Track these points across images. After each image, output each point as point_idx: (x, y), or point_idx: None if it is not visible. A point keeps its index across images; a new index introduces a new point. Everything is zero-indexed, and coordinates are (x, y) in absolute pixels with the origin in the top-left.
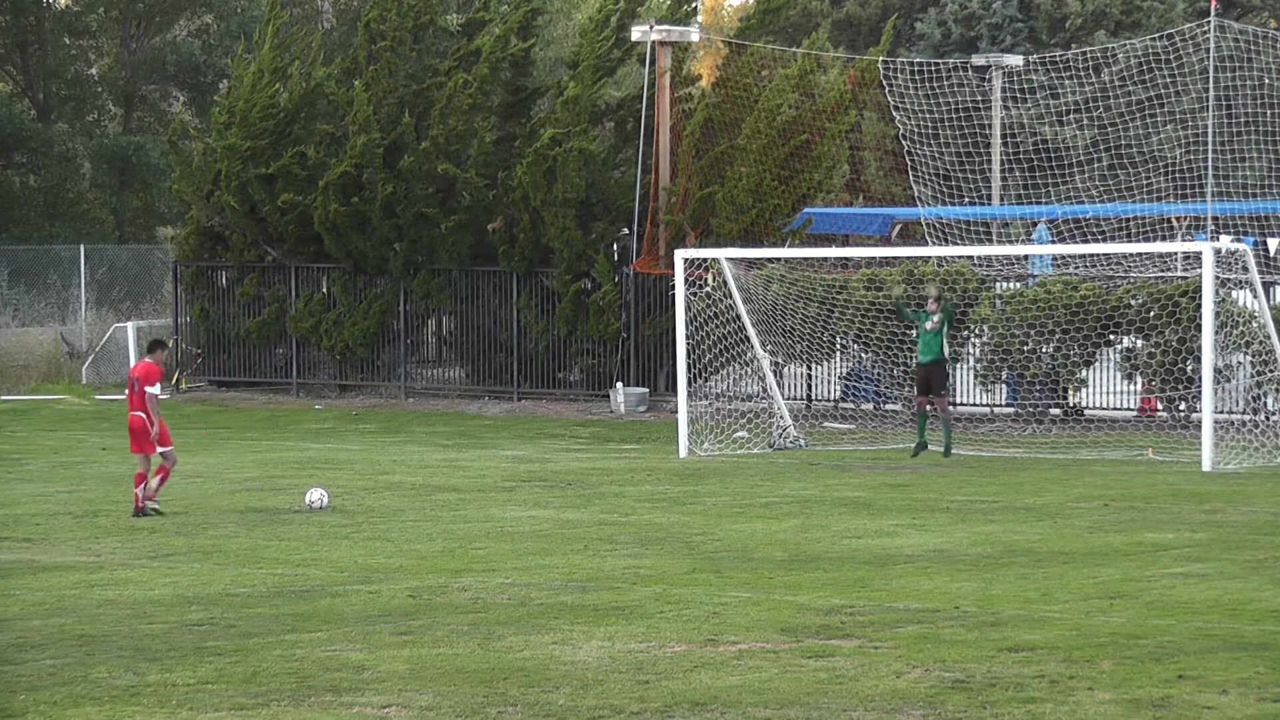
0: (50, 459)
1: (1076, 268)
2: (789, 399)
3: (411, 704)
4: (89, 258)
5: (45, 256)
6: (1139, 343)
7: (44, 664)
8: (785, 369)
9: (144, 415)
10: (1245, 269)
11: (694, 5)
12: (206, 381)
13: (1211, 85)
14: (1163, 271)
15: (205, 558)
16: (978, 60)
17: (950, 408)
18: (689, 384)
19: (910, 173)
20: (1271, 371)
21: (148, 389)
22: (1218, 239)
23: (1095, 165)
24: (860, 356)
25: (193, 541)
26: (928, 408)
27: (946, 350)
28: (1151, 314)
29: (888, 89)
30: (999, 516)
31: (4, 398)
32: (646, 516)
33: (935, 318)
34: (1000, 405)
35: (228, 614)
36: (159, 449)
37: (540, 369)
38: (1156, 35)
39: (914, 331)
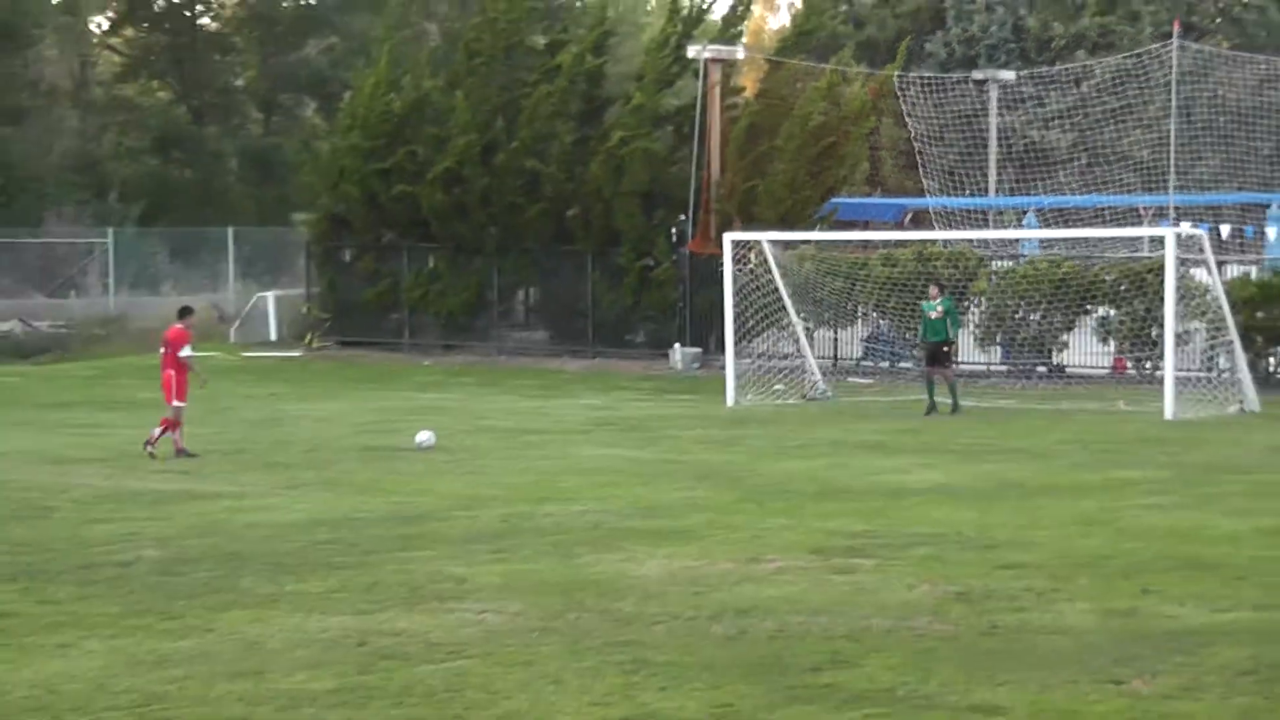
0: (203, 406)
1: (1060, 249)
2: (819, 358)
3: (504, 610)
4: (236, 239)
5: (199, 238)
6: (1112, 312)
7: (199, 576)
8: (815, 333)
9: (173, 373)
10: (1201, 250)
11: (740, 28)
12: (333, 342)
13: (1174, 96)
14: (1132, 252)
15: (332, 488)
16: (977, 75)
17: (954, 376)
18: (735, 345)
19: (920, 169)
20: (1222, 336)
21: (180, 353)
22: (1178, 225)
23: (1075, 163)
24: (879, 323)
25: (321, 474)
26: (935, 377)
27: (952, 332)
28: (1122, 288)
29: (902, 99)
30: (994, 457)
31: None
32: (699, 456)
33: (940, 307)
34: (995, 364)
35: (350, 535)
36: (174, 402)
37: (611, 332)
38: (1127, 54)
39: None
